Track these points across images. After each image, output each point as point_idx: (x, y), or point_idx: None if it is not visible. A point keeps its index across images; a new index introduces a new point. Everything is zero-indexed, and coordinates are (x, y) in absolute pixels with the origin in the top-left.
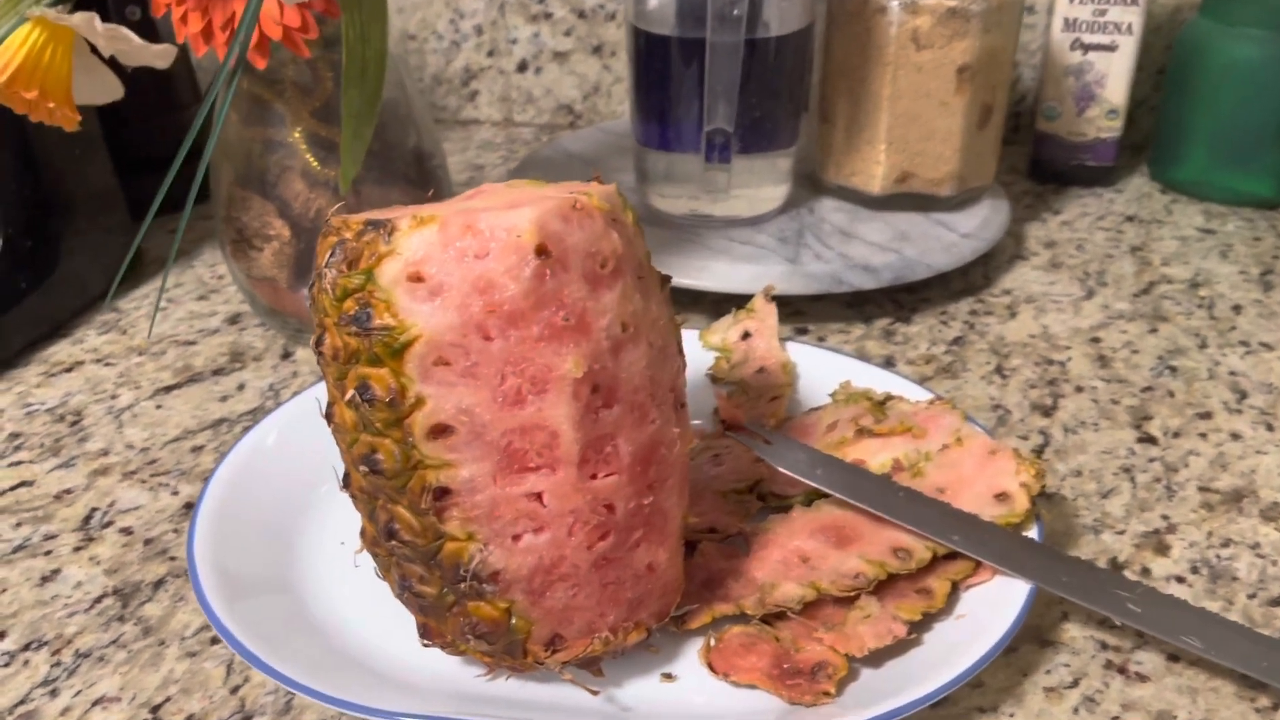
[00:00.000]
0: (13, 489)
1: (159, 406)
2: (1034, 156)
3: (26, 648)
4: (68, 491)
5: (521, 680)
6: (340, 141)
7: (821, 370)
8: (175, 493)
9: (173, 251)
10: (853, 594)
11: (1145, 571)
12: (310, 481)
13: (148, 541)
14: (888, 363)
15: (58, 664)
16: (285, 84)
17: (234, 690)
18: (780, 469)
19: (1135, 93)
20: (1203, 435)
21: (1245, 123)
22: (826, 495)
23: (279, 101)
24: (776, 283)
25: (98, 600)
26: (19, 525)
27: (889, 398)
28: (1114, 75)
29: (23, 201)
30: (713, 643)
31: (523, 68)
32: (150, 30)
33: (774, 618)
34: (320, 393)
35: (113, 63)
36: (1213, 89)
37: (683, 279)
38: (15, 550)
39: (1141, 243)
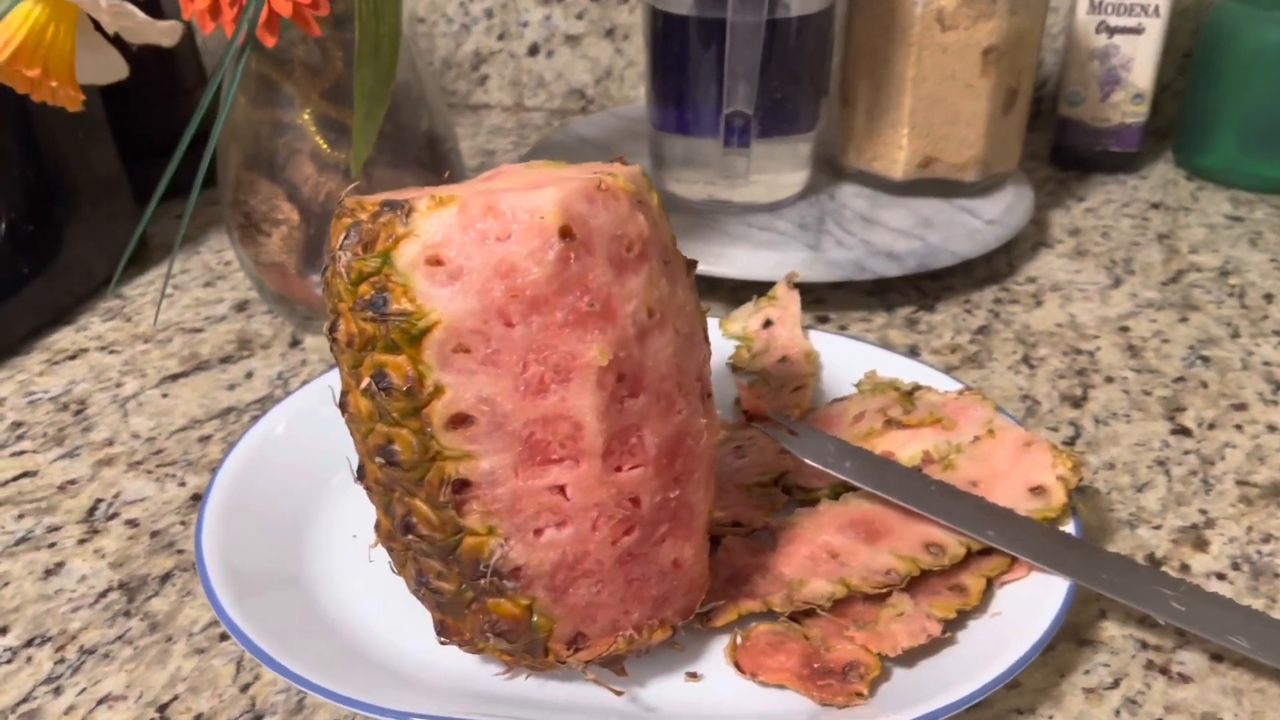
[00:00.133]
0: (15, 479)
1: (165, 395)
2: (1056, 142)
3: (29, 643)
4: (72, 482)
5: (541, 679)
6: (351, 123)
7: (845, 359)
8: (182, 484)
9: (179, 236)
10: (884, 591)
11: (1184, 568)
12: (321, 472)
13: (154, 534)
14: (912, 352)
15: (61, 660)
16: (294, 64)
17: (244, 688)
18: (807, 461)
19: (1160, 77)
20: (1238, 427)
21: (1275, 108)
22: (854, 488)
23: (288, 82)
24: (798, 270)
25: (103, 594)
26: (21, 517)
27: (916, 388)
28: (1140, 59)
29: (25, 185)
30: (739, 641)
31: (534, 51)
32: (155, 7)
33: (802, 615)
34: (331, 381)
35: (117, 41)
36: (1242, 73)
37: (701, 266)
38: (18, 542)
39: (1168, 230)
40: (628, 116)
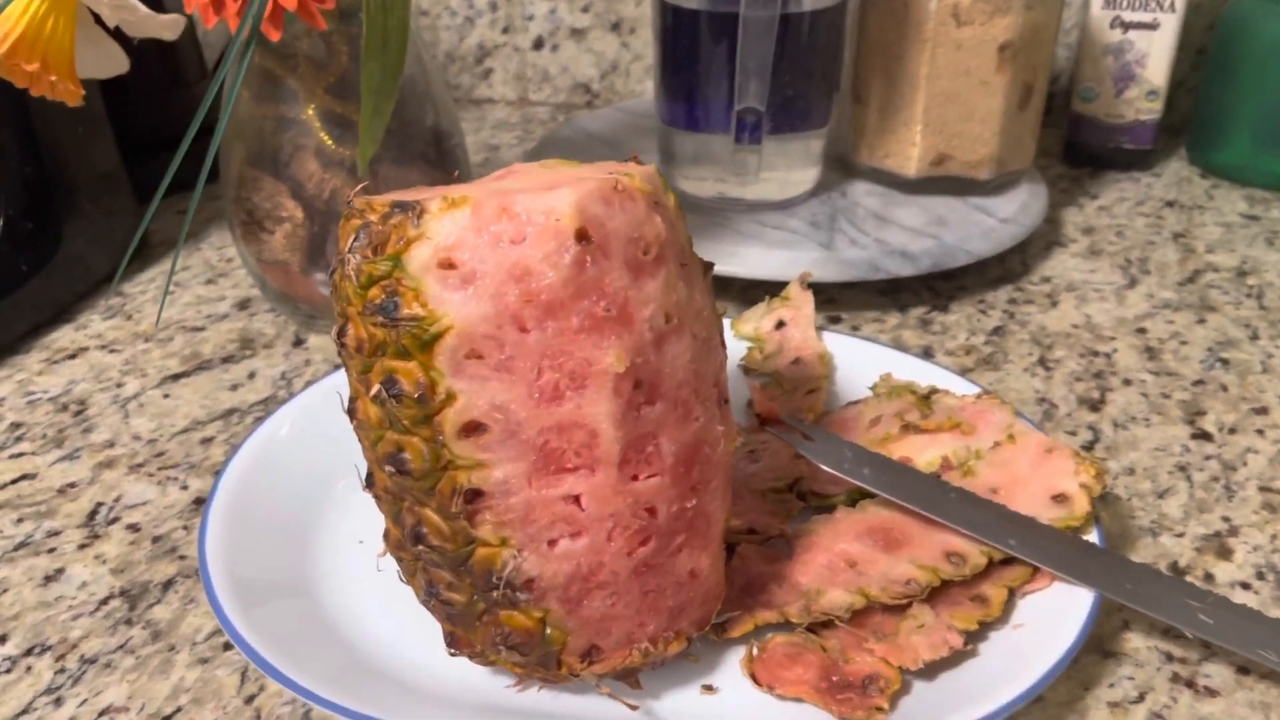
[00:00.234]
0: (14, 482)
1: (166, 396)
2: (1068, 139)
3: (29, 652)
4: (71, 485)
5: (554, 691)
6: (356, 118)
7: (859, 361)
8: (184, 487)
9: (183, 233)
10: (904, 601)
11: (1208, 577)
12: (327, 476)
13: (156, 539)
14: (926, 353)
15: (62, 670)
16: (299, 58)
17: (249, 700)
18: (824, 467)
19: (1174, 73)
20: (1260, 432)
21: None
22: (871, 495)
23: (292, 77)
24: (811, 269)
25: (104, 602)
26: (20, 521)
27: (933, 391)
28: (1155, 54)
29: (24, 181)
30: (755, 652)
31: (539, 45)
32: (156, 0)
33: (820, 626)
34: (336, 382)
35: (118, 34)
36: (1258, 69)
37: None
38: (17, 548)
39: (1184, 229)
40: (635, 112)
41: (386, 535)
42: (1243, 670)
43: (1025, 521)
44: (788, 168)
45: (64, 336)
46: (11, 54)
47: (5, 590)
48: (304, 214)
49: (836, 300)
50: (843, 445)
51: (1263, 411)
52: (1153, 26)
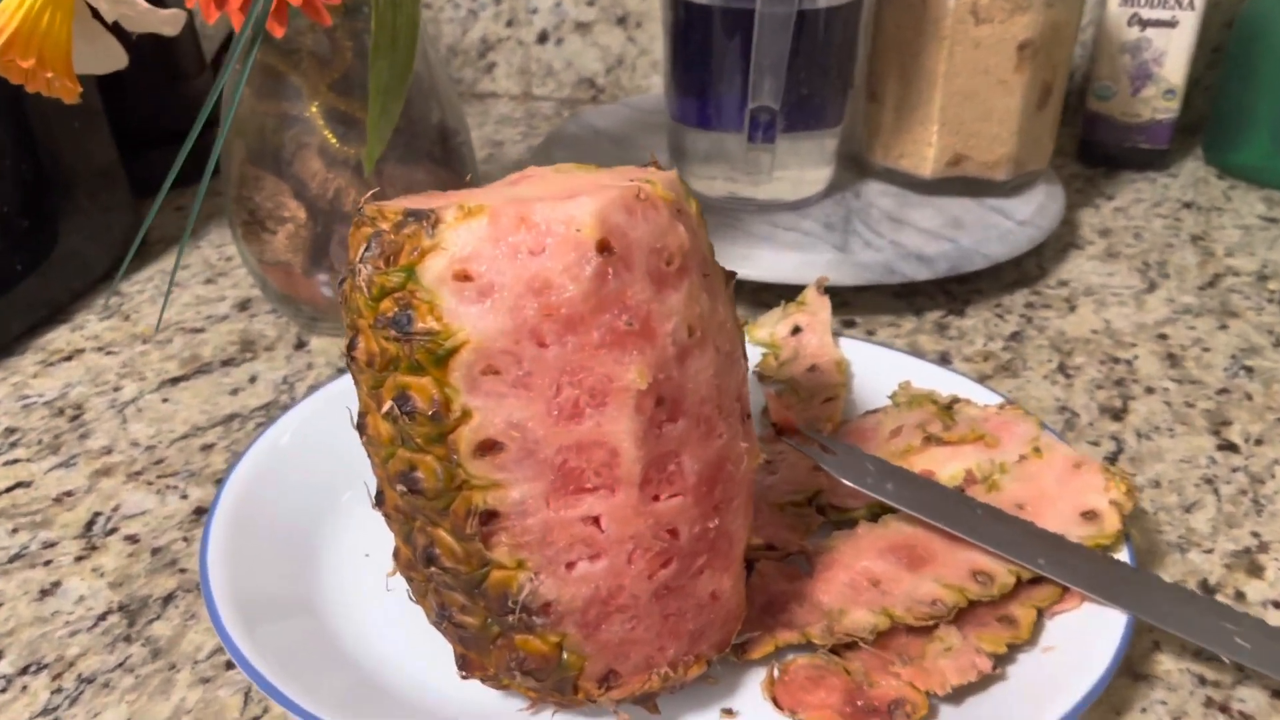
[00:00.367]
0: (9, 490)
1: (165, 400)
2: (1083, 138)
3: (25, 670)
4: (68, 494)
5: (568, 716)
6: (360, 116)
7: (875, 368)
8: (184, 496)
9: (186, 233)
10: (930, 623)
11: (1239, 595)
12: (332, 487)
13: (155, 551)
14: (943, 359)
15: (59, 690)
16: (302, 54)
17: None
18: (846, 482)
19: (1190, 72)
20: None
21: None
22: (893, 509)
23: (295, 73)
24: (825, 272)
25: (102, 617)
26: (15, 531)
27: (955, 401)
28: (1173, 53)
29: (18, 178)
30: (777, 674)
31: (543, 38)
32: None
33: (842, 648)
34: (340, 387)
35: (116, 29)
36: (1278, 68)
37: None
38: (12, 559)
39: (1202, 231)
40: (642, 108)
41: (396, 554)
42: (1277, 695)
43: (1054, 539)
44: (801, 167)
45: (60, 337)
46: (6, 50)
47: (0, 604)
48: (307, 214)
49: (851, 304)
50: (864, 458)
51: None
52: (1171, 24)
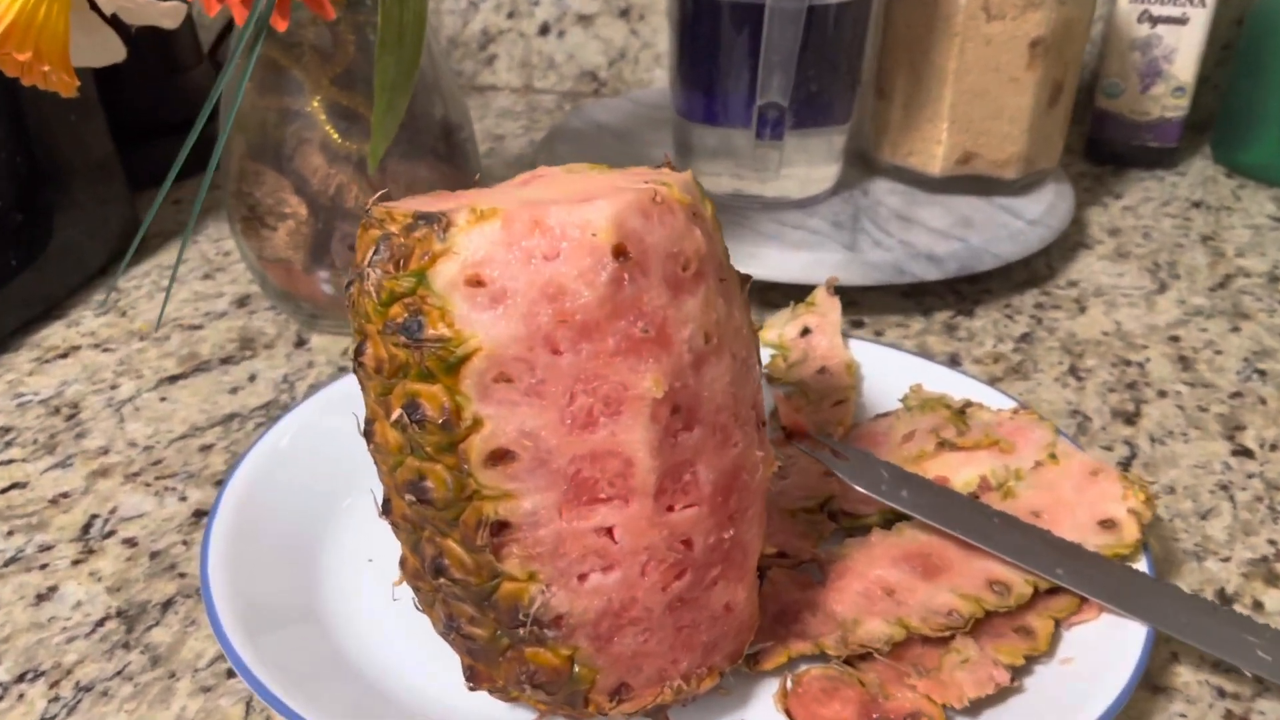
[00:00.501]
0: (4, 491)
1: (163, 399)
2: (1091, 135)
3: (21, 678)
4: (65, 495)
5: None
6: (362, 111)
7: (885, 370)
8: (183, 498)
9: (188, 229)
10: (946, 634)
11: (1257, 605)
12: (334, 489)
13: (154, 555)
14: (952, 361)
15: (56, 699)
16: (304, 48)
17: None
18: (860, 489)
19: (1199, 69)
20: None
21: None
22: (906, 516)
23: (296, 67)
24: (834, 272)
25: (100, 624)
26: (11, 534)
27: (968, 405)
28: (1184, 50)
29: (13, 171)
30: (790, 686)
31: (545, 31)
32: None
33: (857, 658)
34: (342, 387)
35: (114, 21)
36: None
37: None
38: (7, 563)
39: (1212, 231)
40: (646, 102)
41: (403, 563)
42: None
43: (1072, 549)
44: (809, 164)
45: (55, 334)
46: (3, 42)
47: None
48: (308, 210)
49: (859, 303)
50: (878, 464)
51: None
52: (1181, 21)
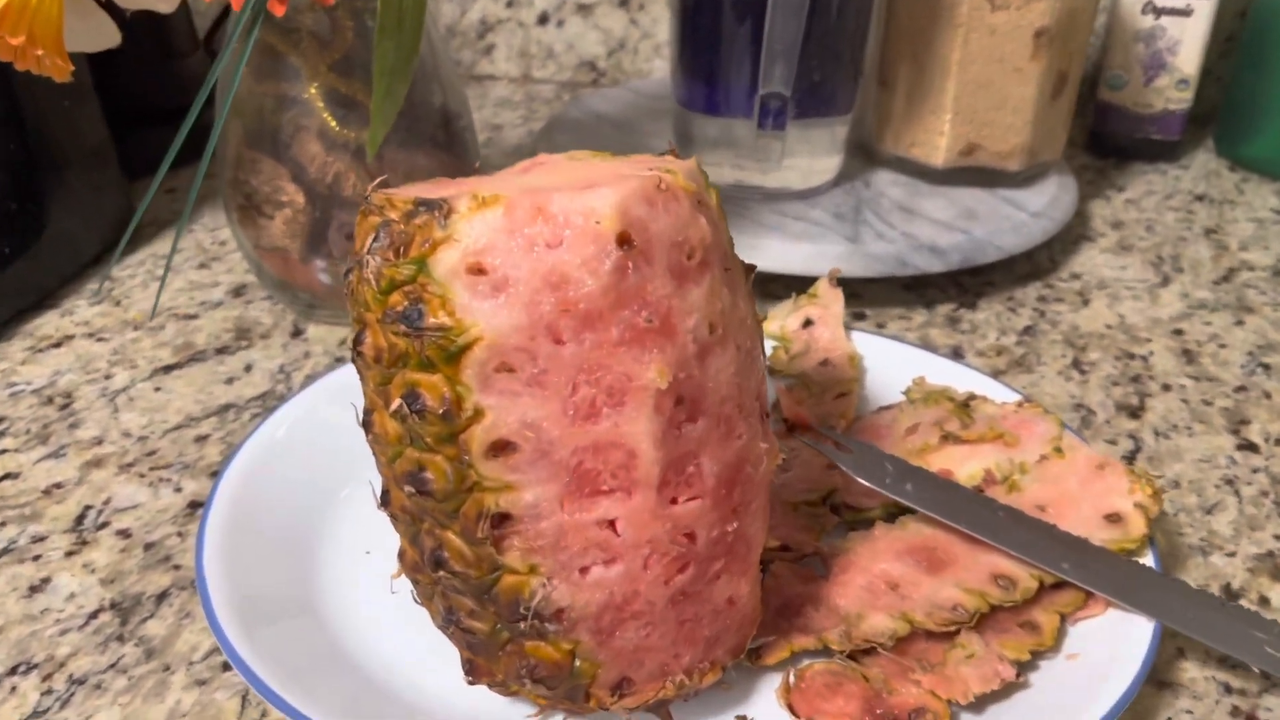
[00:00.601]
0: None
1: (158, 389)
2: (1094, 128)
3: (14, 671)
4: (58, 486)
5: None
6: (361, 98)
7: (888, 362)
8: (178, 489)
9: (184, 218)
10: (950, 628)
11: (1263, 600)
12: (331, 482)
13: (148, 546)
14: (955, 353)
15: (49, 692)
16: (302, 33)
17: None
18: (863, 481)
19: (1203, 61)
20: None
21: None
22: (910, 510)
23: (294, 53)
24: (836, 263)
25: (93, 616)
26: (3, 525)
27: (972, 398)
28: (1188, 42)
29: (7, 158)
30: (793, 681)
31: (543, 20)
32: None
33: (860, 653)
34: (339, 377)
35: (108, 6)
36: None
37: None
38: (0, 554)
39: (1215, 224)
40: (645, 92)
41: (402, 555)
42: None
43: (1078, 543)
44: (811, 155)
45: (49, 323)
46: None
47: None
48: (305, 198)
49: (861, 295)
50: (882, 457)
51: None
52: (1186, 13)
